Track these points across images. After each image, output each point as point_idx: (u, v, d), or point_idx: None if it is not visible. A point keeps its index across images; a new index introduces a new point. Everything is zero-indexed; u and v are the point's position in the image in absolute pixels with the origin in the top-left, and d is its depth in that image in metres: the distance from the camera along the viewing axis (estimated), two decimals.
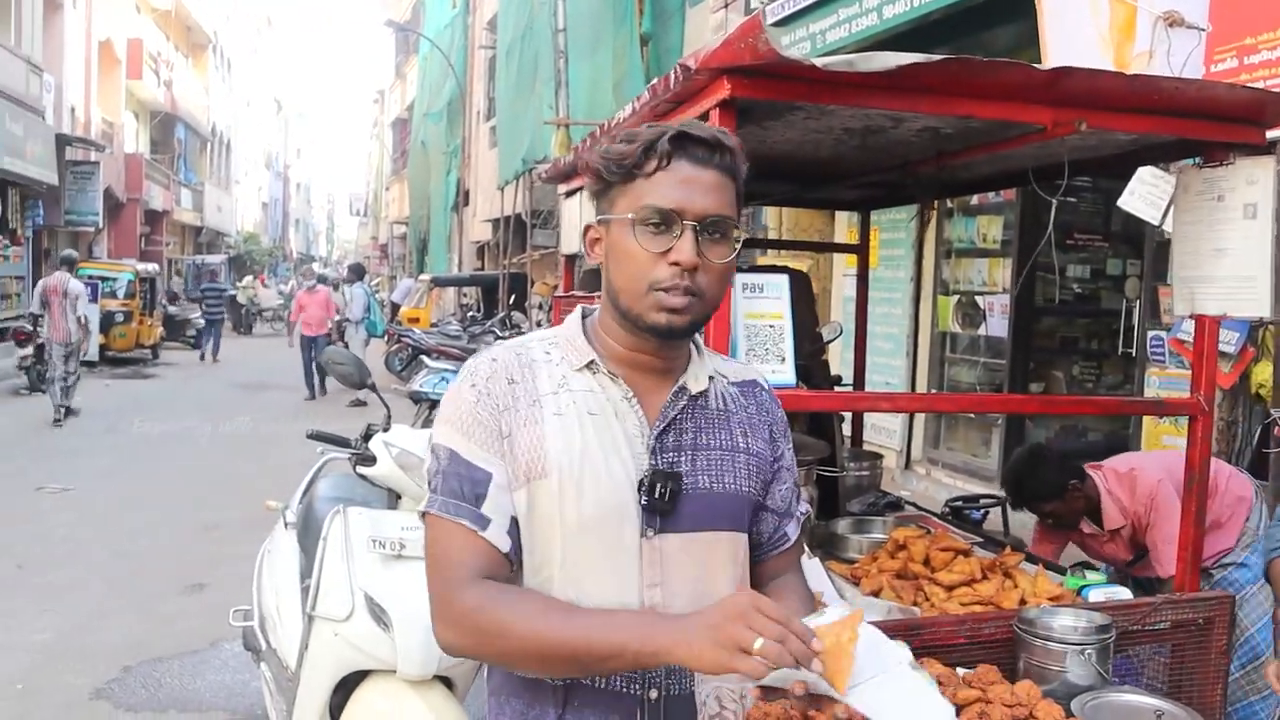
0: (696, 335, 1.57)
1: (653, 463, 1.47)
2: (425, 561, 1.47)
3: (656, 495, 1.45)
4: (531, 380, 1.50)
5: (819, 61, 1.99)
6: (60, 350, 12.22)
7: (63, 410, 12.17)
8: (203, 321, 22.70)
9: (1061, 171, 2.62)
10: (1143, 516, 3.41)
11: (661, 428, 1.49)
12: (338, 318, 16.46)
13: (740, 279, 2.31)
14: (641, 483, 1.45)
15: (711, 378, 1.57)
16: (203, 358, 21.46)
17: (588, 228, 1.52)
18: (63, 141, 20.71)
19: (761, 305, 2.30)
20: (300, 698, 3.16)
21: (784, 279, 2.36)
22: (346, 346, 12.06)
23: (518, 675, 1.50)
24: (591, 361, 1.51)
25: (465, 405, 1.48)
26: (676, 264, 1.40)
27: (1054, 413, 4.07)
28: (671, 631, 1.28)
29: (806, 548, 2.78)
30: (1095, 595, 2.56)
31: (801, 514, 1.68)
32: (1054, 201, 2.45)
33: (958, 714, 1.96)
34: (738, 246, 1.46)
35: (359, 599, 2.99)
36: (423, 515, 1.48)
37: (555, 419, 1.47)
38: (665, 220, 1.41)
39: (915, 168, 2.98)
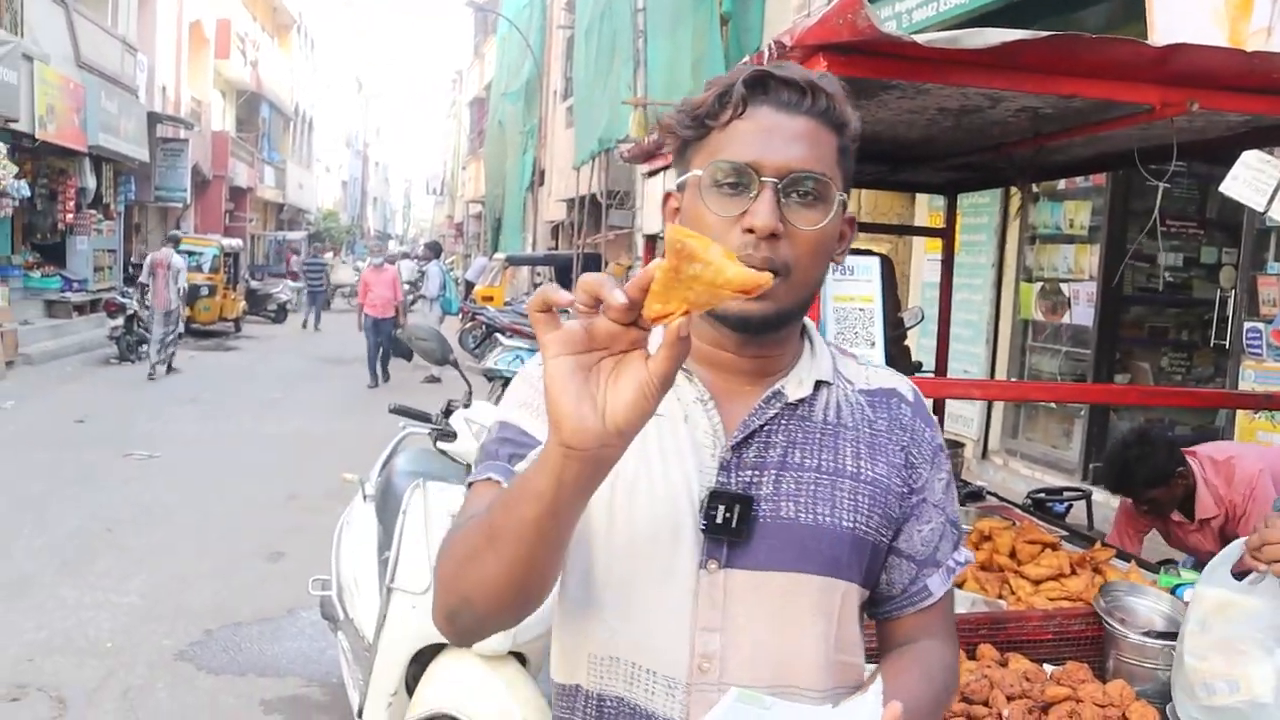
0: (811, 326, 1.31)
1: (721, 480, 1.19)
2: None
3: (719, 520, 1.17)
4: None
5: (920, 38, 1.93)
6: (160, 314, 14.14)
7: (159, 367, 14.07)
8: (284, 295, 23.47)
9: (1163, 155, 2.52)
10: (1239, 506, 3.27)
11: (740, 438, 1.21)
12: (410, 296, 16.02)
13: None
14: (702, 502, 1.18)
15: (826, 383, 1.27)
16: (304, 325, 23.16)
17: (667, 195, 1.29)
18: (154, 120, 21.29)
19: (851, 288, 2.25)
20: (376, 669, 3.21)
21: (874, 261, 2.31)
22: (402, 325, 12.31)
23: (555, 684, 1.29)
24: None
25: (533, 381, 1.27)
26: (750, 231, 1.13)
27: (1152, 404, 3.91)
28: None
29: None
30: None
31: (957, 565, 1.33)
32: (1160, 186, 2.35)
33: (1046, 711, 1.92)
34: (835, 212, 1.17)
35: None
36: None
37: None
38: (739, 177, 1.15)
39: (1010, 149, 2.89)
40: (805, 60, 2.10)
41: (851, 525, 1.21)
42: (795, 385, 1.24)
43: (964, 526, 2.98)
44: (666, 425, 1.22)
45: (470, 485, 1.27)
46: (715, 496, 1.18)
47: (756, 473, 1.21)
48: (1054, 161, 3.29)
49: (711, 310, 1.11)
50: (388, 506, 3.68)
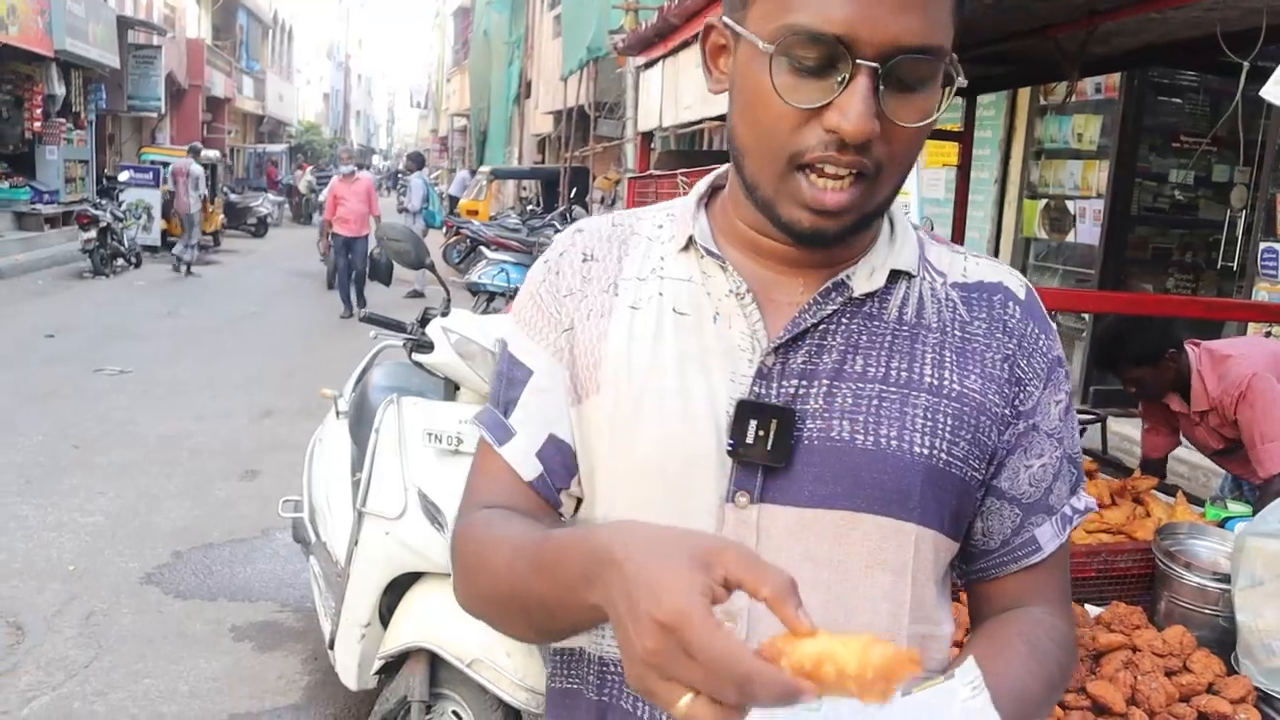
0: (896, 207, 1.01)
1: (756, 390, 0.93)
2: None
3: (750, 439, 0.92)
4: (617, 259, 1.03)
5: None
6: (184, 220, 16.29)
7: (184, 266, 15.82)
8: (264, 209, 23.12)
9: (1255, 38, 2.20)
10: (1227, 407, 3.14)
11: (787, 338, 0.94)
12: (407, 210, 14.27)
13: None
14: (729, 416, 0.93)
15: (908, 275, 0.98)
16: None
17: (709, 28, 0.95)
18: (125, 25, 20.53)
19: None
20: (349, 597, 2.99)
21: None
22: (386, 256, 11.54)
23: (552, 687, 1.08)
24: (691, 239, 1.00)
25: (531, 284, 1.07)
26: (836, 133, 0.84)
27: (1165, 314, 3.69)
28: (609, 594, 0.73)
29: None
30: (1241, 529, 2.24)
31: (1075, 513, 1.04)
32: (1243, 71, 2.04)
33: (1098, 661, 1.69)
34: (948, 97, 0.89)
35: (412, 496, 2.78)
36: None
37: (628, 313, 0.99)
38: (826, 55, 0.84)
39: (1057, 32, 2.58)
40: None
41: (928, 452, 0.93)
42: (865, 276, 0.96)
43: None
44: (689, 324, 0.97)
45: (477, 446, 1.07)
46: (745, 409, 0.91)
47: (804, 383, 0.93)
48: (1101, 51, 2.97)
49: (773, 213, 0.91)
50: (362, 424, 3.42)
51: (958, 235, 4.06)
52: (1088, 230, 7.70)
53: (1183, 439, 3.52)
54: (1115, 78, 7.15)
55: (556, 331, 1.02)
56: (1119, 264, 7.57)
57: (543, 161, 23.34)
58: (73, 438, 6.48)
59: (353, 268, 12.14)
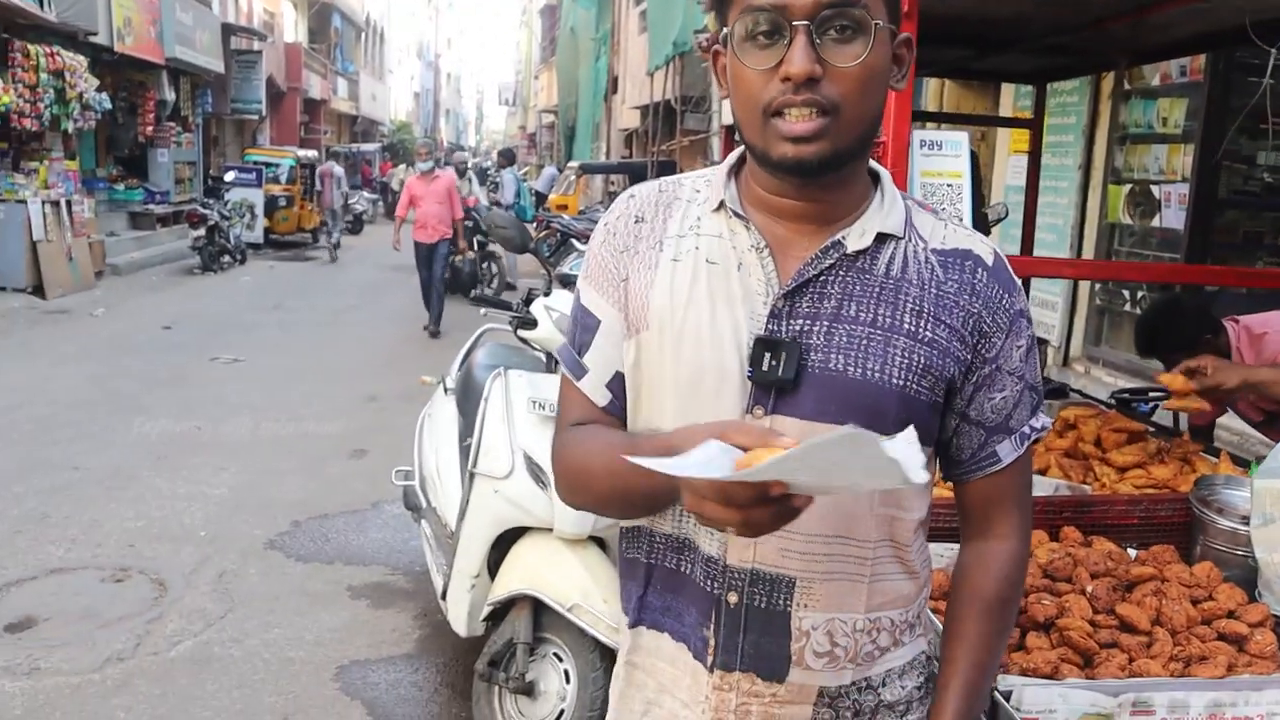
0: (886, 176, 1.27)
1: (771, 328, 1.19)
2: None
3: (765, 367, 1.17)
4: (663, 220, 1.29)
5: None
6: (329, 211, 19.64)
7: (333, 250, 18.54)
8: (360, 206, 23.95)
9: (1276, 30, 2.38)
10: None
11: (792, 286, 1.19)
12: (484, 205, 13.27)
13: (918, 135, 2.20)
14: (750, 348, 1.19)
15: (894, 237, 1.22)
16: None
17: (715, 52, 1.23)
18: (228, 31, 21.42)
19: (940, 163, 2.19)
20: (459, 553, 3.30)
21: (964, 136, 2.25)
22: (468, 254, 11.31)
23: (622, 555, 1.38)
24: (723, 202, 1.25)
25: (594, 245, 1.34)
26: (788, 79, 1.10)
27: (1244, 285, 3.79)
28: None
29: None
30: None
31: (1033, 431, 1.29)
32: (1269, 63, 2.21)
33: (1130, 590, 1.90)
34: (876, 42, 1.12)
35: (518, 458, 3.08)
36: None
37: (670, 265, 1.25)
38: (771, 25, 1.11)
39: (1108, 25, 2.76)
40: None
41: (902, 383, 1.19)
42: (857, 236, 1.20)
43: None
44: (719, 272, 1.23)
45: (561, 377, 1.38)
46: (761, 343, 1.18)
47: (808, 323, 1.19)
48: (1156, 40, 3.13)
49: (767, 158, 1.16)
50: (469, 398, 3.74)
51: (1029, 219, 4.21)
52: (1173, 215, 7.66)
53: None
54: (1200, 59, 7.13)
55: (615, 283, 1.29)
56: (1205, 248, 7.53)
57: (630, 156, 23.63)
58: (195, 419, 6.99)
59: (437, 276, 10.85)
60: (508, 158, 17.24)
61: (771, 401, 1.19)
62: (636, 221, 1.30)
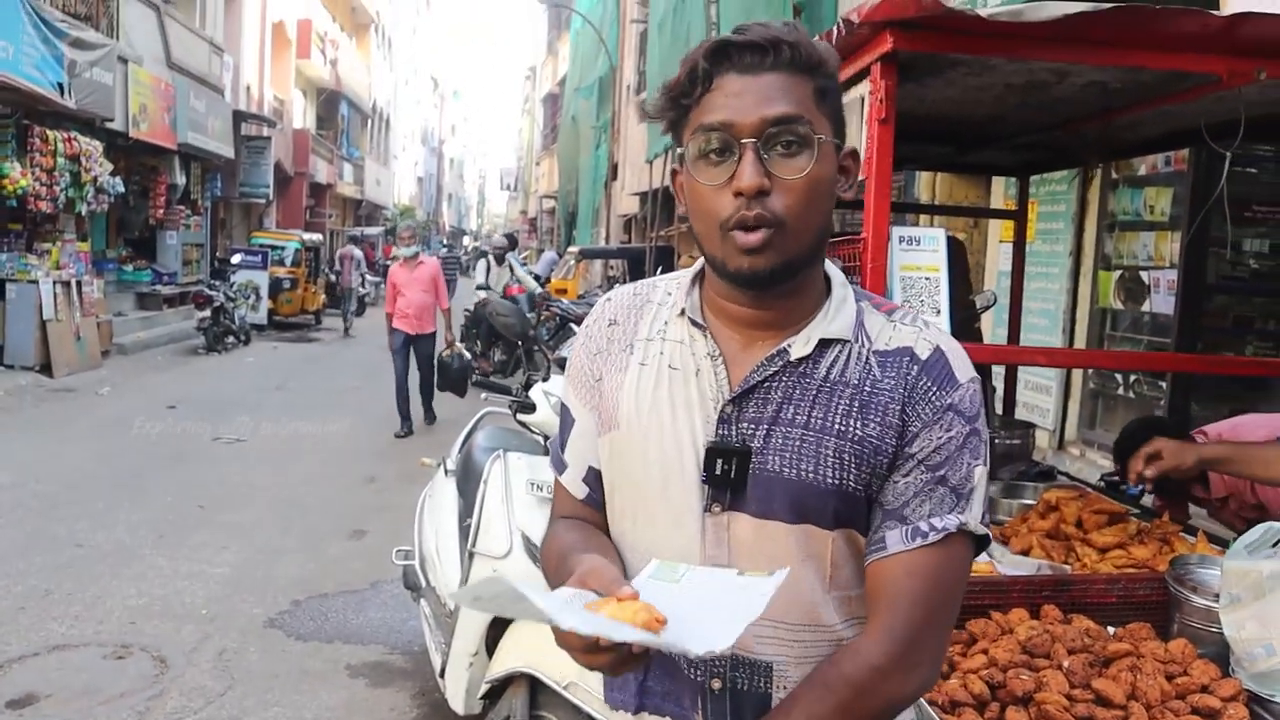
0: (838, 280, 1.33)
1: (721, 433, 1.27)
2: None
3: (718, 471, 1.26)
4: (634, 323, 1.38)
5: (984, 12, 1.99)
6: (347, 292, 20.72)
7: (347, 328, 19.86)
8: (363, 289, 24.21)
9: (1237, 129, 2.53)
10: (1243, 491, 3.25)
11: (738, 393, 1.27)
12: (483, 295, 12.11)
13: (897, 232, 2.33)
14: (703, 455, 1.27)
15: (840, 341, 1.28)
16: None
17: (673, 172, 1.31)
18: (239, 118, 21.95)
19: (917, 258, 2.32)
20: (458, 631, 3.35)
21: (940, 232, 2.38)
22: (456, 347, 9.93)
23: None
24: (683, 310, 1.34)
25: (576, 346, 1.44)
26: (739, 194, 1.19)
27: (1225, 373, 3.90)
28: None
29: None
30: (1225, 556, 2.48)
31: (931, 530, 1.24)
32: (1226, 160, 2.37)
33: (1106, 666, 1.97)
34: (820, 155, 1.20)
35: (517, 538, 3.16)
36: None
37: (638, 368, 1.34)
38: (721, 144, 1.20)
39: (1078, 126, 2.92)
40: (872, 37, 2.17)
41: (837, 481, 1.25)
42: (802, 344, 1.27)
43: (1030, 501, 3.02)
44: (679, 377, 1.32)
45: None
46: (712, 452, 1.26)
47: (752, 426, 1.27)
48: (1124, 139, 3.30)
49: (724, 269, 1.24)
50: (468, 479, 3.83)
51: (1015, 305, 4.34)
52: (1163, 300, 7.82)
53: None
54: (1185, 151, 7.35)
55: (590, 384, 1.40)
56: (1194, 332, 7.66)
57: (629, 241, 24.00)
58: (198, 498, 7.05)
59: (416, 372, 9.99)
60: (511, 242, 17.51)
61: (729, 499, 1.27)
62: (610, 325, 1.40)
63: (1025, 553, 2.58)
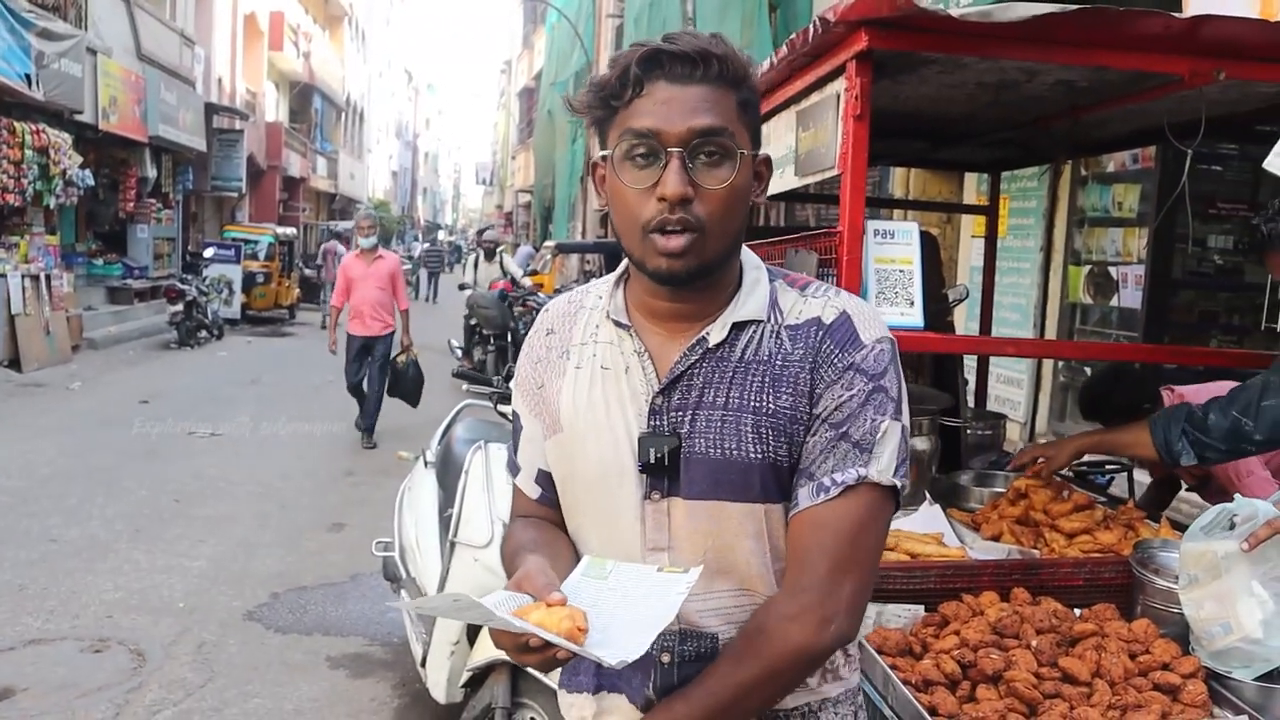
0: (750, 264, 1.40)
1: (653, 423, 1.34)
2: None
3: (652, 460, 1.32)
4: (569, 329, 1.46)
5: (955, 12, 2.05)
6: (330, 285, 17.95)
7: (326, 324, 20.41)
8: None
9: (1199, 129, 2.60)
10: (1217, 472, 3.35)
11: (665, 384, 1.34)
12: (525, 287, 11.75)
13: (871, 225, 2.39)
14: (640, 443, 1.34)
15: (754, 323, 1.35)
16: (427, 299, 27.45)
17: (594, 165, 1.36)
18: (211, 110, 21.77)
19: (891, 250, 2.37)
20: (439, 622, 3.39)
21: (914, 225, 2.44)
22: (413, 352, 8.98)
23: None
24: (608, 312, 1.42)
25: (521, 356, 1.54)
26: (664, 199, 1.25)
27: (1187, 364, 4.01)
28: None
29: (928, 495, 2.87)
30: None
31: (833, 484, 1.30)
32: (1188, 158, 2.44)
33: (1073, 645, 2.04)
34: (741, 165, 1.28)
35: (498, 528, 3.20)
36: None
37: (574, 372, 1.42)
38: (648, 149, 1.26)
39: (1048, 123, 2.99)
40: (847, 35, 2.23)
41: (760, 455, 1.32)
42: (719, 330, 1.34)
43: (1001, 489, 3.09)
44: (611, 376, 1.39)
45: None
46: (645, 440, 1.34)
47: (680, 413, 1.34)
48: (1092, 137, 3.37)
49: (644, 268, 1.31)
50: (448, 471, 3.86)
51: (987, 299, 4.42)
52: (1130, 295, 7.95)
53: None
54: (1152, 149, 7.48)
55: (533, 391, 1.47)
56: (1161, 327, 7.80)
57: (605, 236, 23.99)
58: (173, 493, 7.03)
59: (369, 379, 9.02)
60: (481, 236, 17.47)
61: (666, 486, 1.34)
62: (548, 334, 1.48)
63: (996, 538, 2.65)
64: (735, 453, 1.31)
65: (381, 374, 8.94)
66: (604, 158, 1.32)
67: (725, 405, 1.32)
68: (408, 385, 8.82)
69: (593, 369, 1.40)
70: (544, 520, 1.50)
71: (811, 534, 1.30)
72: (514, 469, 1.54)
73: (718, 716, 1.29)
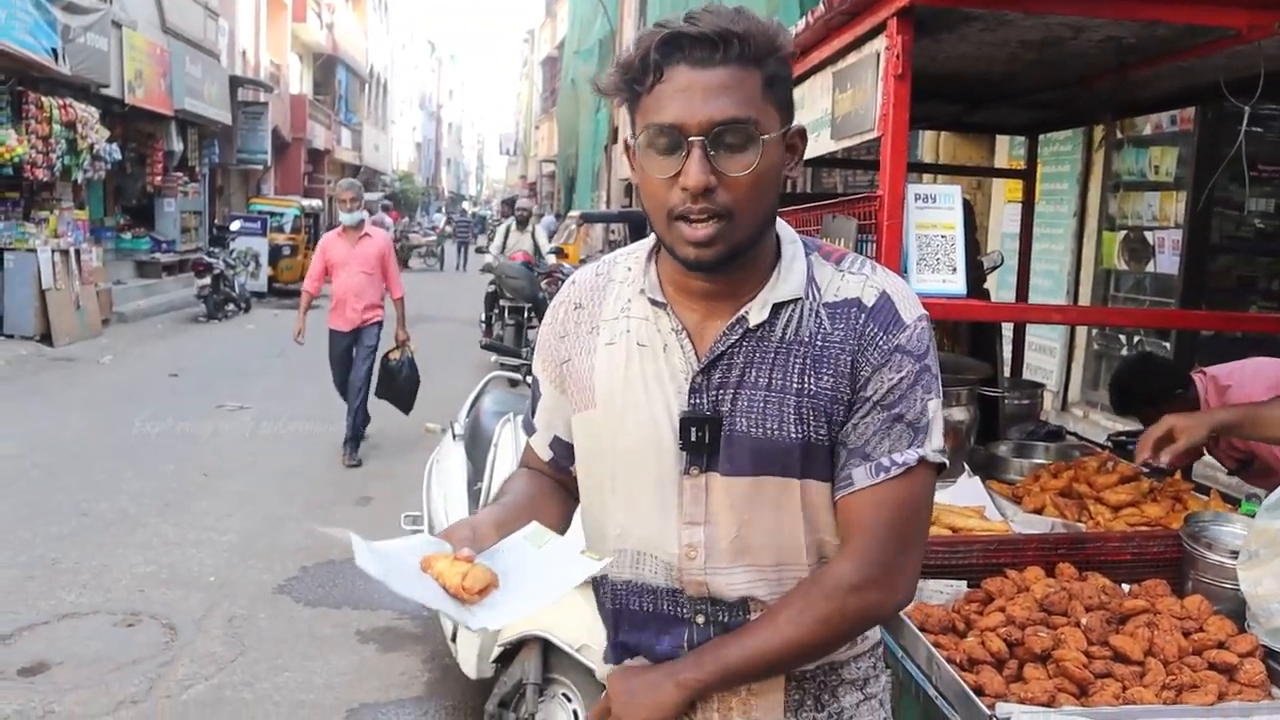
0: (787, 240, 1.38)
1: (693, 402, 1.34)
2: None
3: (693, 439, 1.34)
4: (598, 304, 1.44)
5: None
6: None
7: None
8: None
9: (1255, 86, 2.49)
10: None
11: (706, 363, 1.34)
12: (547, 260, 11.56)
13: (912, 189, 2.30)
14: (678, 424, 1.35)
15: (794, 301, 1.34)
16: (457, 268, 29.21)
17: (627, 144, 1.34)
18: (235, 83, 21.78)
19: (933, 215, 2.29)
20: None
21: (956, 189, 2.35)
22: (410, 365, 7.74)
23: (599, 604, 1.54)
24: (643, 289, 1.39)
25: (544, 326, 1.54)
26: (686, 189, 1.24)
27: (1235, 329, 3.93)
28: None
29: (966, 467, 2.80)
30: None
31: (893, 464, 1.33)
32: (1243, 120, 2.34)
33: (1123, 623, 1.97)
34: (765, 149, 1.25)
35: None
36: None
37: (606, 349, 1.41)
38: (669, 139, 1.24)
39: (1093, 82, 2.88)
40: None
41: (797, 436, 1.33)
42: (758, 310, 1.34)
43: (1041, 460, 3.01)
44: (649, 354, 1.38)
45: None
46: (686, 420, 1.35)
47: (720, 393, 1.35)
48: (1138, 97, 3.25)
49: (673, 253, 1.31)
50: (477, 443, 3.83)
51: (1023, 266, 4.32)
52: (1167, 260, 7.79)
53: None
54: (1190, 111, 7.30)
55: (555, 364, 1.48)
56: (1198, 293, 7.63)
57: (630, 205, 23.87)
58: (202, 466, 7.05)
59: (357, 375, 7.66)
60: (511, 206, 17.38)
61: (704, 462, 1.35)
62: (576, 308, 1.47)
63: (1039, 511, 2.57)
64: (777, 433, 1.33)
65: (368, 371, 7.59)
66: (629, 141, 1.32)
67: (768, 386, 1.33)
68: (400, 386, 7.55)
69: (628, 345, 1.39)
70: (544, 476, 1.56)
71: (874, 511, 1.33)
72: (530, 429, 1.58)
73: (758, 665, 1.34)
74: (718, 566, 1.37)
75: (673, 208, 1.26)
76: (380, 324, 7.68)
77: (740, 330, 1.34)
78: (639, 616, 1.43)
